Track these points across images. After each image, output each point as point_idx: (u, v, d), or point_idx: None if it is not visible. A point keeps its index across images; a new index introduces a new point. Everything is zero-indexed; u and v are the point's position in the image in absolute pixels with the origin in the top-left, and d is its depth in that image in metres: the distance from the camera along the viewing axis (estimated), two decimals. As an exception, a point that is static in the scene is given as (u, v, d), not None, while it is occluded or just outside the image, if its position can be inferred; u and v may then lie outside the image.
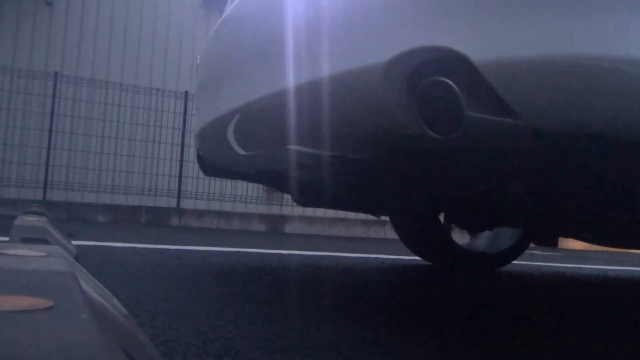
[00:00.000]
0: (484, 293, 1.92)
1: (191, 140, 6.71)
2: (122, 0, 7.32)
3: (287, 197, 6.79)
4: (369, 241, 5.67)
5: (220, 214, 6.46)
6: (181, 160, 6.85)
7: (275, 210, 7.32)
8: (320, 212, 7.11)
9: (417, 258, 3.22)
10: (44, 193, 6.21)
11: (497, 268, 2.87)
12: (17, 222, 1.36)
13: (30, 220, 1.43)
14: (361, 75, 0.92)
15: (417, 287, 1.98)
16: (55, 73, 6.45)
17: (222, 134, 1.51)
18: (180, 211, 6.33)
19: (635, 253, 7.04)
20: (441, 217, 2.77)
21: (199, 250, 2.87)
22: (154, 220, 6.09)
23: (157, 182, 6.85)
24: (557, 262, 4.07)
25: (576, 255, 5.79)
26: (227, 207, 6.98)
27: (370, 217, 6.85)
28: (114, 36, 7.24)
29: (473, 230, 2.41)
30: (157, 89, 7.00)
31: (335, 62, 0.98)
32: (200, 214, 6.37)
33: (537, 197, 1.29)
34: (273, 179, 1.88)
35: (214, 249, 3.06)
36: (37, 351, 0.27)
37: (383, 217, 5.30)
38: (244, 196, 7.11)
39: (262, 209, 7.23)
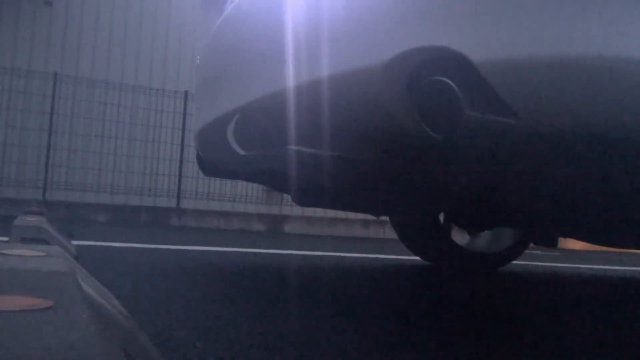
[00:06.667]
0: (484, 293, 1.92)
1: (191, 140, 6.70)
2: (122, 0, 7.32)
3: (287, 197, 6.78)
4: (369, 241, 5.66)
5: (220, 214, 6.46)
6: (181, 160, 6.85)
7: (275, 210, 7.32)
8: (320, 212, 7.11)
9: (417, 258, 3.22)
10: (44, 193, 6.21)
11: (497, 268, 2.87)
12: (17, 222, 1.36)
13: (30, 220, 1.42)
14: (361, 75, 0.92)
15: (417, 287, 1.98)
16: (55, 73, 6.45)
17: (222, 134, 1.51)
18: (180, 211, 6.33)
19: (635, 253, 7.03)
20: (441, 217, 2.77)
21: (198, 250, 2.87)
22: (154, 220, 6.09)
23: (157, 182, 6.84)
24: (557, 262, 4.07)
25: (576, 255, 5.78)
26: (227, 207, 6.98)
27: (370, 217, 6.84)
28: (114, 36, 7.23)
29: (473, 230, 2.41)
30: (157, 89, 7.00)
31: (335, 62, 0.98)
32: (200, 214, 6.37)
33: (537, 197, 1.29)
34: (273, 179, 1.88)
35: (214, 249, 3.06)
36: (37, 351, 0.27)
37: (383, 217, 5.30)
38: (244, 196, 7.11)
39: (262, 209, 7.22)
